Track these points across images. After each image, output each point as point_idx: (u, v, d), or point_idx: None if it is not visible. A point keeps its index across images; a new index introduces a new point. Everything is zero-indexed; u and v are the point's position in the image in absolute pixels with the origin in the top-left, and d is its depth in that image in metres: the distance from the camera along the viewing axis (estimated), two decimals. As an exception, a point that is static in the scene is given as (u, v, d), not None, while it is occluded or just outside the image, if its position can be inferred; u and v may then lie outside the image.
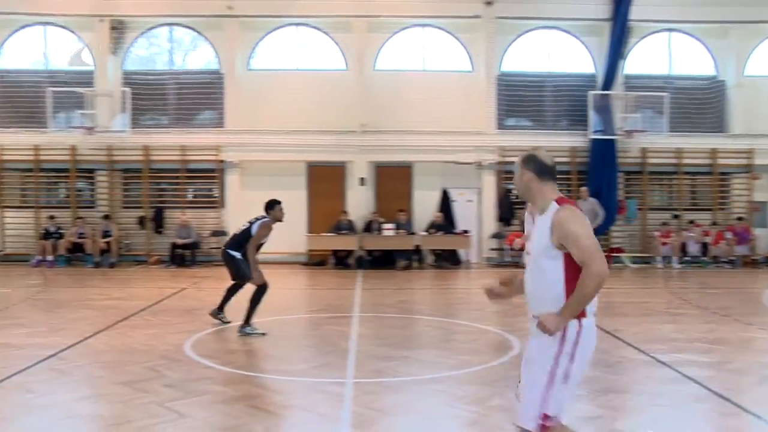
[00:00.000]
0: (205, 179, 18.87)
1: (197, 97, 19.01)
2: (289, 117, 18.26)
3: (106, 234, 17.80)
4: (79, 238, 17.85)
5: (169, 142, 18.44)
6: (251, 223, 9.64)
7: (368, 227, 18.00)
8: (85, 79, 18.67)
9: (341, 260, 17.91)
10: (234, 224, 17.90)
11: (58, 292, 13.48)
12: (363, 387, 6.68)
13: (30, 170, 18.79)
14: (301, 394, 6.61)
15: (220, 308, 9.76)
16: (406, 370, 7.34)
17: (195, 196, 19.08)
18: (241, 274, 9.48)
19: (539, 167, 3.89)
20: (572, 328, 3.73)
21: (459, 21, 18.83)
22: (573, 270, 3.69)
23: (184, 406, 5.99)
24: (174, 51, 19.52)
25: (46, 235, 17.92)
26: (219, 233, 18.10)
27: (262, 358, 7.92)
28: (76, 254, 17.93)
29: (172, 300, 12.29)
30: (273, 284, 9.63)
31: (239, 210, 17.74)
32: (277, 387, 6.77)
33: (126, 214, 18.83)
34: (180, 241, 17.63)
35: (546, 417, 3.75)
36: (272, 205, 9.65)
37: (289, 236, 18.01)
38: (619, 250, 18.67)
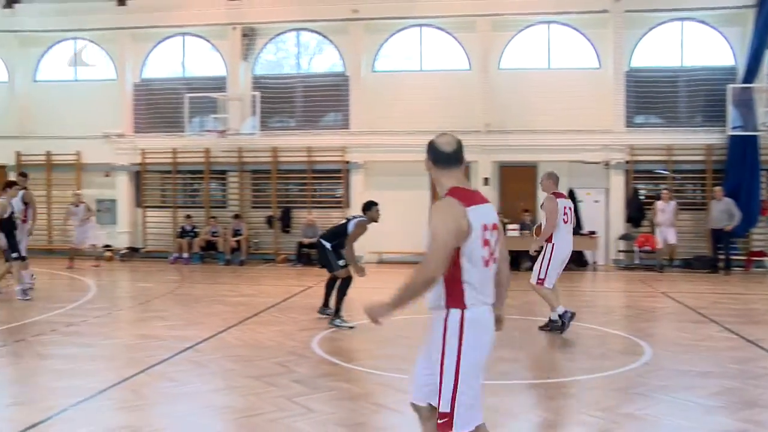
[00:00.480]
0: (330, 180, 19.31)
1: (323, 100, 19.49)
2: (412, 118, 18.37)
3: (236, 233, 18.56)
4: (212, 236, 18.72)
5: (296, 143, 19.00)
6: (348, 220, 9.95)
7: (491, 228, 17.81)
8: (219, 84, 19.56)
9: (464, 260, 17.81)
10: (358, 224, 18.31)
11: (193, 288, 14.18)
12: (488, 388, 6.60)
13: (168, 172, 19.90)
14: (425, 393, 6.62)
15: (325, 304, 10.13)
16: (531, 373, 7.21)
17: (321, 196, 19.55)
18: (325, 264, 9.94)
19: (435, 154, 3.78)
20: (452, 325, 3.63)
21: (586, 16, 18.29)
22: (451, 264, 3.58)
23: (312, 401, 6.15)
24: (301, 55, 20.08)
25: (183, 233, 18.92)
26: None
27: (385, 357, 8.00)
28: (209, 252, 18.82)
29: (299, 298, 12.64)
30: (396, 284, 9.66)
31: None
32: (400, 385, 6.80)
33: (255, 214, 19.56)
34: (306, 240, 18.10)
35: (446, 415, 3.68)
36: (369, 206, 9.92)
37: (412, 236, 18.17)
38: (761, 253, 17.53)
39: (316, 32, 19.61)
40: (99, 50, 20.51)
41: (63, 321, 10.02)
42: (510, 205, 18.25)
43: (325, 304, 10.12)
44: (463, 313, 3.63)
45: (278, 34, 19.76)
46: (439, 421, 3.70)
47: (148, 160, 19.82)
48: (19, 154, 20.25)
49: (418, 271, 3.55)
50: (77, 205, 17.60)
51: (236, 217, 18.88)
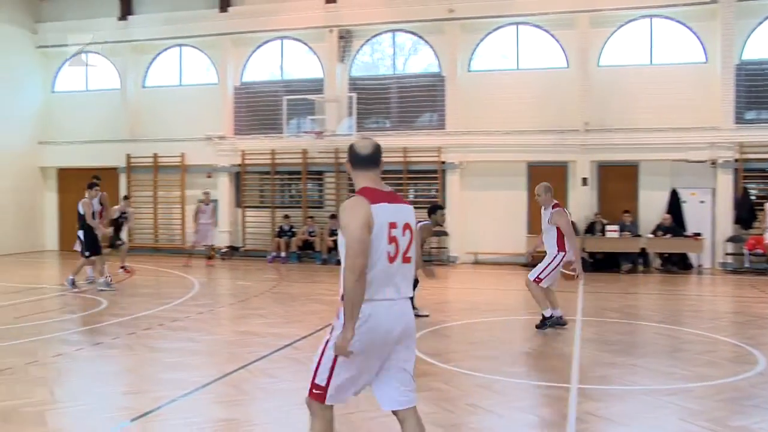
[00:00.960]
0: (426, 180, 19.31)
1: (418, 100, 19.52)
2: (509, 117, 18.17)
3: (333, 232, 18.78)
4: (309, 236, 19.07)
5: (391, 144, 19.06)
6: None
7: (591, 229, 17.37)
8: (316, 86, 19.91)
9: (562, 262, 17.44)
10: (454, 224, 18.24)
11: (290, 287, 14.47)
12: (588, 393, 6.45)
13: (267, 173, 20.41)
14: (522, 395, 6.52)
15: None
16: (633, 379, 6.98)
17: (416, 197, 19.58)
18: None
19: (352, 156, 4.02)
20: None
21: (691, 9, 17.54)
22: None
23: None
24: (396, 56, 20.17)
25: (281, 233, 19.35)
26: (439, 233, 18.43)
27: (482, 358, 7.92)
28: (306, 251, 19.17)
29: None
30: (493, 285, 9.59)
31: (460, 210, 17.98)
32: (498, 387, 6.73)
33: None
34: (401, 241, 18.13)
35: (315, 386, 3.95)
36: (435, 210, 10.08)
37: (509, 237, 18.01)
38: None
39: (412, 33, 19.65)
40: (202, 56, 21.26)
41: (169, 316, 10.44)
42: (609, 206, 17.74)
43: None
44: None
45: (374, 36, 19.92)
46: (313, 391, 3.99)
47: (247, 161, 20.39)
48: (129, 157, 21.27)
49: (346, 275, 3.68)
50: (207, 204, 18.21)
51: (333, 217, 19.13)
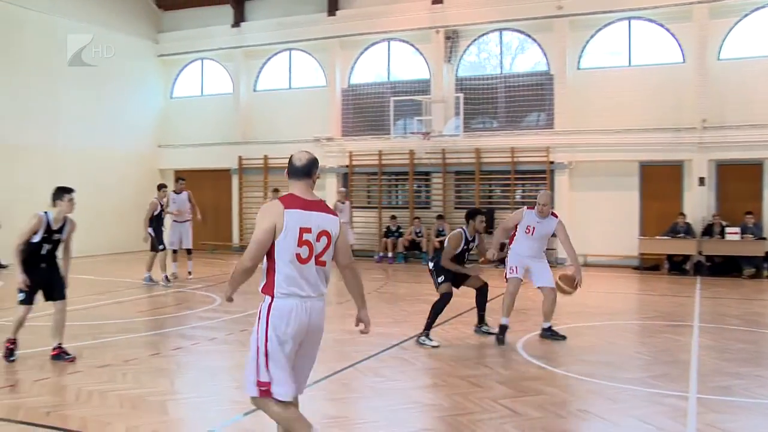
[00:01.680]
0: (534, 180, 18.97)
1: (526, 99, 19.19)
2: (620, 115, 17.60)
3: (440, 233, 18.80)
4: (416, 236, 19.12)
5: (499, 144, 18.90)
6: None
7: (708, 231, 16.56)
8: (422, 87, 19.95)
9: (676, 265, 16.73)
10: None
11: (397, 287, 14.55)
12: (708, 404, 6.16)
13: (374, 174, 20.62)
14: (637, 403, 6.29)
15: (480, 320, 9.52)
16: (760, 391, 6.60)
17: (524, 197, 19.28)
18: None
19: (289, 166, 4.49)
20: (263, 309, 4.32)
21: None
22: (268, 256, 4.29)
23: (518, 404, 6.07)
24: (503, 55, 19.93)
25: (388, 233, 19.50)
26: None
27: (594, 363, 7.70)
28: (412, 251, 19.24)
29: (501, 299, 12.49)
30: (603, 288, 9.32)
31: (569, 211, 17.54)
32: (611, 394, 6.53)
33: (458, 215, 19.64)
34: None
35: (260, 383, 4.31)
36: (473, 216, 9.14)
37: (620, 239, 17.45)
38: None
39: (519, 31, 19.36)
40: (311, 59, 21.74)
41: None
42: (729, 207, 16.87)
43: (481, 320, 9.58)
44: (271, 300, 4.29)
45: (481, 35, 19.76)
46: (260, 389, 4.34)
47: (355, 162, 20.68)
48: (240, 159, 22.01)
49: (239, 262, 4.30)
50: (343, 202, 18.44)
51: (439, 217, 19.14)
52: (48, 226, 7.47)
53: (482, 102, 19.51)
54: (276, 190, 17.42)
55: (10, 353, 7.58)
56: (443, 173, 19.69)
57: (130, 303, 12.06)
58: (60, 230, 7.59)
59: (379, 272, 16.97)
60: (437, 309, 8.87)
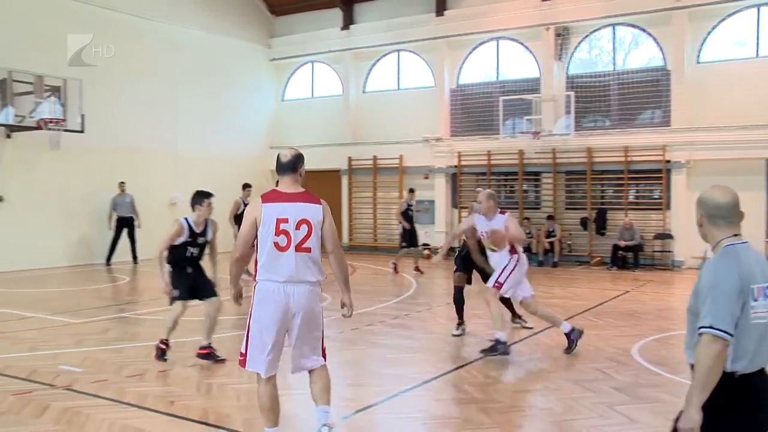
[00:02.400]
0: (648, 180, 18.29)
1: (640, 96, 18.52)
2: (745, 111, 16.65)
3: (549, 234, 18.46)
4: (526, 237, 18.81)
5: (611, 143, 18.34)
6: None
7: (843, 233, 15.49)
8: (532, 86, 19.63)
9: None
10: (680, 227, 17.14)
11: (506, 288, 14.35)
12: None
13: (483, 174, 20.45)
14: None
15: (514, 314, 9.84)
16: None
17: (638, 198, 18.64)
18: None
19: (276, 163, 4.99)
20: (253, 292, 4.83)
21: None
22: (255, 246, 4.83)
23: (634, 411, 5.88)
24: (616, 51, 19.32)
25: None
26: (663, 236, 17.43)
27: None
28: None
29: (616, 302, 12.17)
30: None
31: (685, 212, 16.83)
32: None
33: (569, 215, 19.26)
34: (623, 243, 17.37)
35: (241, 354, 4.90)
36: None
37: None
38: None
39: (634, 26, 18.72)
40: (419, 60, 21.83)
41: (389, 314, 10.83)
42: None
43: (514, 314, 9.78)
44: (255, 285, 4.81)
45: (593, 31, 19.25)
46: (239, 358, 4.92)
47: (464, 163, 20.59)
48: (350, 160, 22.36)
49: (231, 255, 4.94)
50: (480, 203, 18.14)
51: (550, 218, 18.77)
52: (190, 230, 7.62)
53: (594, 100, 18.99)
54: (412, 191, 17.21)
55: (162, 353, 7.68)
56: (553, 173, 19.30)
57: (248, 299, 12.44)
58: (203, 233, 7.73)
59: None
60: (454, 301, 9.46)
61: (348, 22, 22.68)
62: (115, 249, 18.21)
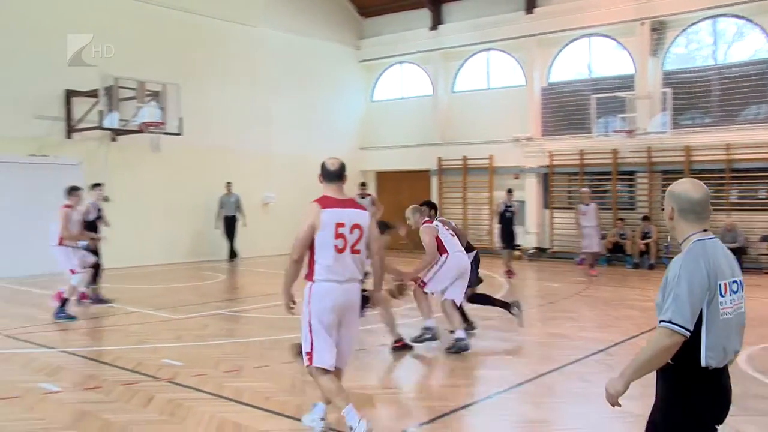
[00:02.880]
0: (753, 179, 17.45)
1: (744, 91, 17.68)
2: None
3: (645, 235, 17.87)
4: (620, 238, 18.30)
5: (711, 141, 17.59)
6: None
7: None
8: (626, 83, 19.08)
9: None
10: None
11: (600, 290, 14.03)
12: None
13: (575, 174, 20.01)
14: None
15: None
16: None
17: (741, 198, 17.81)
18: None
19: (323, 171, 5.25)
20: (306, 292, 5.11)
21: None
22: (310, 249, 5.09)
23: (742, 424, 5.63)
24: (717, 44, 18.54)
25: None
26: (768, 238, 16.64)
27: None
28: (616, 254, 18.42)
29: (717, 306, 11.65)
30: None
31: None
32: None
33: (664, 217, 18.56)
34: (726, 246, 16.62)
35: (307, 353, 5.12)
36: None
37: None
38: None
39: (737, 16, 17.90)
40: (509, 58, 21.59)
41: (480, 314, 10.72)
42: None
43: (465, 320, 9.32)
44: (311, 285, 5.09)
45: (691, 25, 18.54)
46: (305, 356, 5.17)
47: (555, 162, 20.22)
48: (440, 160, 22.32)
49: (289, 258, 5.11)
50: (587, 204, 16.49)
51: (645, 219, 18.17)
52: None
53: (692, 96, 18.29)
54: (510, 191, 17.06)
55: (405, 347, 8.06)
56: (649, 173, 18.68)
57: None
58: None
59: (580, 275, 16.42)
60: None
61: (436, 22, 22.65)
62: (233, 245, 19.26)
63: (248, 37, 20.71)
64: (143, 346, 8.52)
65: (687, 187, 3.22)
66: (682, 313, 2.98)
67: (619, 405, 3.26)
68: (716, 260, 3.10)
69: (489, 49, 21.92)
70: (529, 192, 20.60)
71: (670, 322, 2.98)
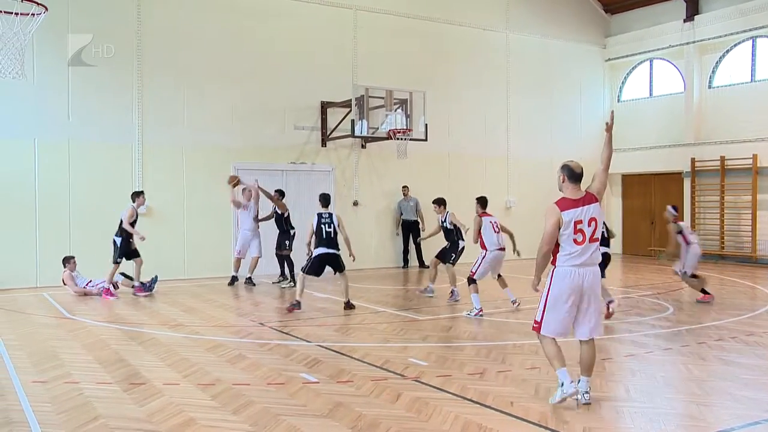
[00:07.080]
0: None
1: None
2: None
3: None
4: None
5: None
6: None
7: None
8: None
9: None
10: None
11: None
12: None
13: None
14: None
15: None
16: None
17: None
18: None
19: (568, 173, 6.26)
20: (550, 274, 6.23)
21: None
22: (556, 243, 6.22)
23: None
24: None
25: None
26: None
27: None
28: None
29: None
30: None
31: None
32: None
33: None
34: None
35: (536, 322, 6.31)
36: None
37: None
38: None
39: None
40: (777, 48, 19.54)
41: (742, 329, 9.82)
42: None
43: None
44: (554, 269, 6.14)
45: None
46: (534, 325, 6.28)
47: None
48: (693, 161, 20.77)
49: (538, 250, 6.10)
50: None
51: None
52: None
53: None
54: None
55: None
56: None
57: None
58: None
59: None
60: None
61: (692, 12, 21.07)
62: (407, 252, 19.00)
63: (493, 43, 20.89)
64: (390, 345, 8.90)
65: None
66: None
67: None
68: None
69: (755, 37, 19.90)
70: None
71: None
